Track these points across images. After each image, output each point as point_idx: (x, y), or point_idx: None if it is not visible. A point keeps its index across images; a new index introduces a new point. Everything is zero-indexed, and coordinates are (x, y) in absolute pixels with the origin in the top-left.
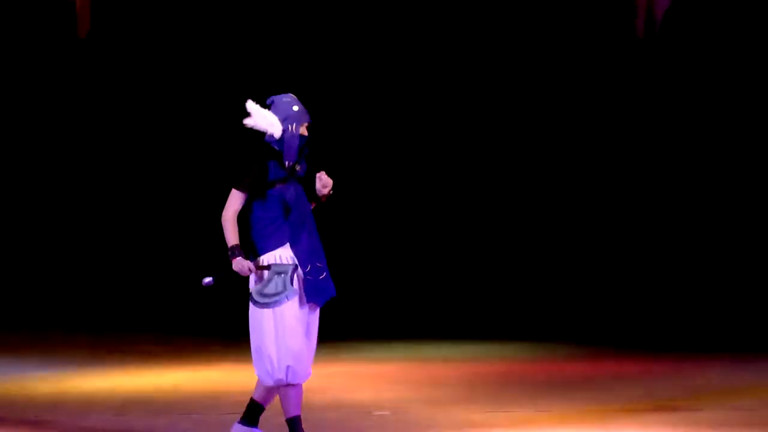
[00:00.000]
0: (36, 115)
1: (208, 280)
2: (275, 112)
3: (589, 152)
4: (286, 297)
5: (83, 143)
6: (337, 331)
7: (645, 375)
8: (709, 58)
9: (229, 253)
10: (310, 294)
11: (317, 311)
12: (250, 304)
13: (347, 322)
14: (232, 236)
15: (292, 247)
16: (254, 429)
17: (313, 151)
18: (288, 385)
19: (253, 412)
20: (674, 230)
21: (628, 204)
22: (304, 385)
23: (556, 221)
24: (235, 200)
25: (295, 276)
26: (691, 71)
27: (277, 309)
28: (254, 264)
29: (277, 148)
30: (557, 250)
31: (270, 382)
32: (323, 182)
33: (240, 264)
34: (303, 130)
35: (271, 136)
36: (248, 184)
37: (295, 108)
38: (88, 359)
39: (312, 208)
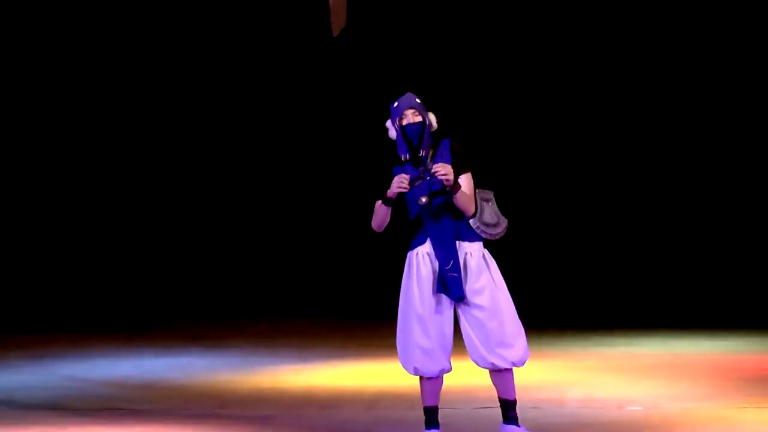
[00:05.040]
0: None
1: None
2: (390, 117)
3: None
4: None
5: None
6: (590, 320)
7: None
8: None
9: (384, 200)
10: (453, 289)
11: (453, 306)
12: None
13: (602, 311)
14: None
15: (431, 242)
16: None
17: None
18: (422, 377)
19: (503, 408)
20: None
21: None
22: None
23: None
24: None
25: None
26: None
27: (405, 299)
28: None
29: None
30: None
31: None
32: (438, 172)
33: (396, 180)
34: (405, 120)
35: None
36: (385, 194)
37: (395, 104)
38: (339, 352)
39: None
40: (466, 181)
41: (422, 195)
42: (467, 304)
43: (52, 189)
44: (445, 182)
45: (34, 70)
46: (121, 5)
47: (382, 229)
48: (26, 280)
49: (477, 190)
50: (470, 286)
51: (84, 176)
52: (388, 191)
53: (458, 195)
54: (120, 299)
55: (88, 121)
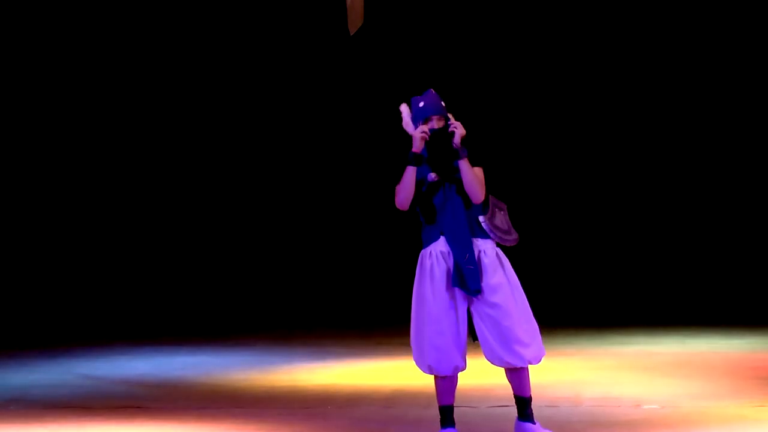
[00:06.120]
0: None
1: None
2: (412, 113)
3: None
4: (514, 239)
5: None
6: (607, 318)
7: None
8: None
9: (410, 160)
10: (470, 281)
11: (468, 300)
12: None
13: (619, 309)
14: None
15: (446, 236)
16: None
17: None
18: (436, 375)
19: (519, 406)
20: None
21: None
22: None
23: None
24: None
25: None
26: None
27: (418, 297)
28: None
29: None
30: None
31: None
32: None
33: (417, 133)
34: (430, 125)
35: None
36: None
37: (420, 104)
38: (355, 351)
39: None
40: (477, 171)
41: (435, 165)
42: (482, 302)
43: (79, 196)
44: (455, 135)
45: (33, 79)
46: (122, 4)
47: (408, 202)
48: (44, 279)
49: (491, 197)
50: (485, 284)
51: (106, 184)
52: (413, 147)
53: (465, 168)
54: (137, 298)
55: (103, 131)
